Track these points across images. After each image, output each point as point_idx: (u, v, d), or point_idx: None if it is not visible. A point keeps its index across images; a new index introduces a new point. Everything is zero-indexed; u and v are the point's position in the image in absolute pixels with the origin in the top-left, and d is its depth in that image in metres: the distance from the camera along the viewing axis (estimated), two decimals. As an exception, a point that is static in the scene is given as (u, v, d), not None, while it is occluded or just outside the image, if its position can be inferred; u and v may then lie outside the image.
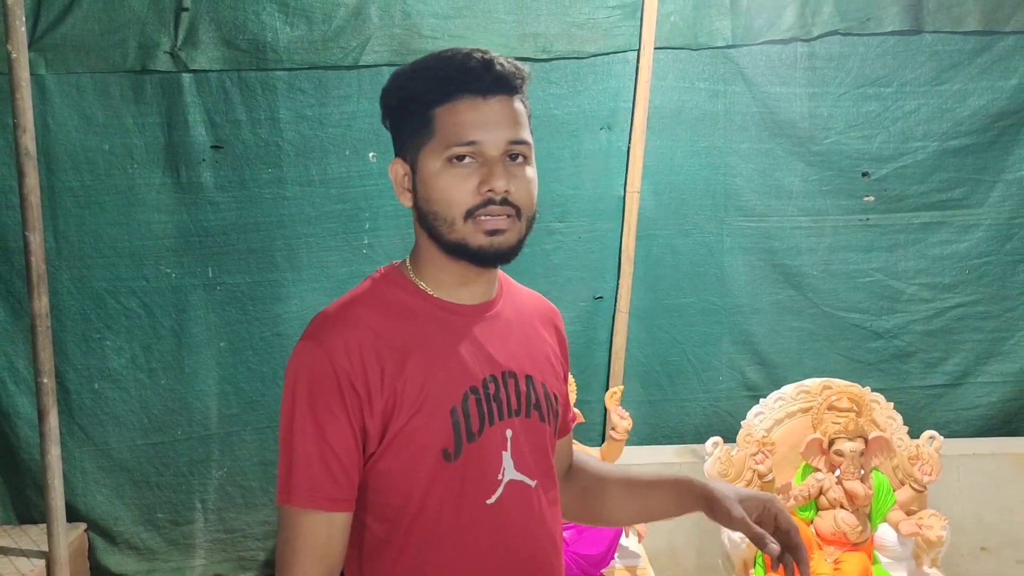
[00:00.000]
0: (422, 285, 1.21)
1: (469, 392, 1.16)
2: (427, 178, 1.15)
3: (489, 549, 1.17)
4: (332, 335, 1.13)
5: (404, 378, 1.12)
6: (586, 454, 1.47)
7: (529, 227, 1.19)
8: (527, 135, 1.18)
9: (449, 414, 1.14)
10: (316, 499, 1.10)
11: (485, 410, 1.17)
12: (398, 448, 1.13)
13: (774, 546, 1.19)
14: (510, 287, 1.33)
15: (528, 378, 1.24)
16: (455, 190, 1.13)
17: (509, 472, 1.18)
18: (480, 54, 1.14)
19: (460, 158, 1.13)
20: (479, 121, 1.13)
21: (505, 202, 1.13)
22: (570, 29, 3.24)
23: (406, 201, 1.20)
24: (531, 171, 1.18)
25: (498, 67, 1.13)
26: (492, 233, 1.14)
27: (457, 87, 1.13)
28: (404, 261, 1.25)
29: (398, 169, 1.21)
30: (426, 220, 1.17)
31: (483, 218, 1.13)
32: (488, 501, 1.16)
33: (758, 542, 1.19)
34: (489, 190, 1.13)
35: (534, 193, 1.18)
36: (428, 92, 1.14)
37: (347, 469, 1.11)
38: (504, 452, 1.18)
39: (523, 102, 1.18)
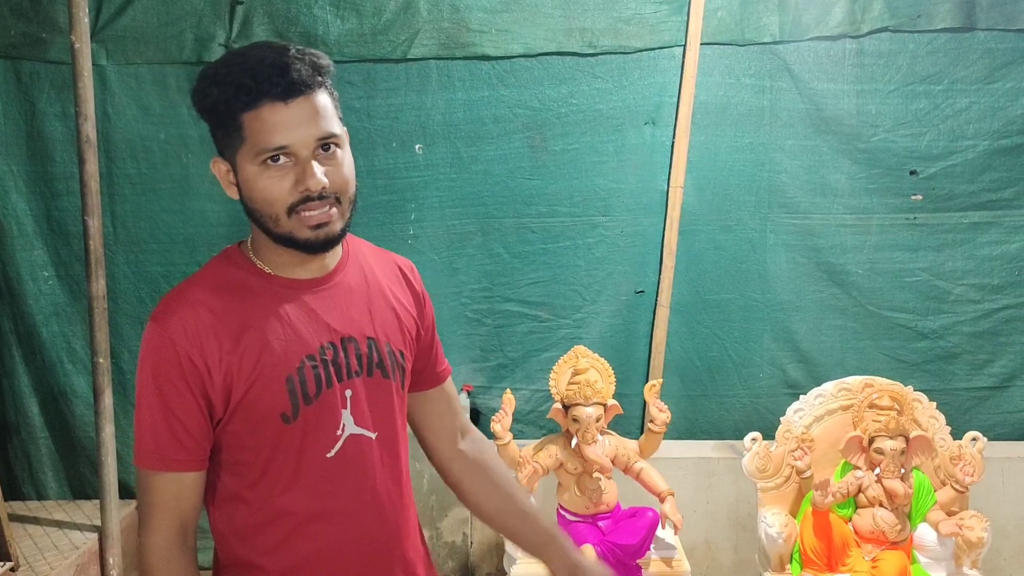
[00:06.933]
0: (259, 264, 1.29)
1: (305, 360, 1.25)
2: (246, 180, 1.21)
3: (332, 493, 1.28)
4: (172, 316, 1.22)
5: (240, 352, 1.22)
6: (497, 456, 1.55)
7: (352, 207, 1.25)
8: (335, 127, 1.21)
9: (285, 382, 1.24)
10: (164, 462, 1.22)
11: (323, 374, 1.26)
12: (243, 414, 1.24)
13: None
14: (359, 252, 1.38)
15: (370, 340, 1.32)
16: (273, 190, 1.19)
17: (349, 427, 1.29)
18: (275, 55, 1.17)
19: (274, 159, 1.18)
20: (283, 124, 1.17)
21: (322, 196, 1.20)
22: (616, 24, 3.26)
23: (233, 194, 1.26)
24: (343, 154, 1.23)
25: (294, 73, 1.16)
26: (317, 227, 1.21)
27: (258, 94, 1.16)
28: (246, 241, 1.31)
29: (220, 167, 1.25)
30: (253, 215, 1.24)
31: (305, 214, 1.20)
32: (328, 455, 1.28)
33: None
34: (305, 189, 1.19)
35: (350, 176, 1.23)
36: (232, 99, 1.17)
37: (193, 434, 1.23)
38: (344, 410, 1.29)
39: (328, 91, 1.22)
